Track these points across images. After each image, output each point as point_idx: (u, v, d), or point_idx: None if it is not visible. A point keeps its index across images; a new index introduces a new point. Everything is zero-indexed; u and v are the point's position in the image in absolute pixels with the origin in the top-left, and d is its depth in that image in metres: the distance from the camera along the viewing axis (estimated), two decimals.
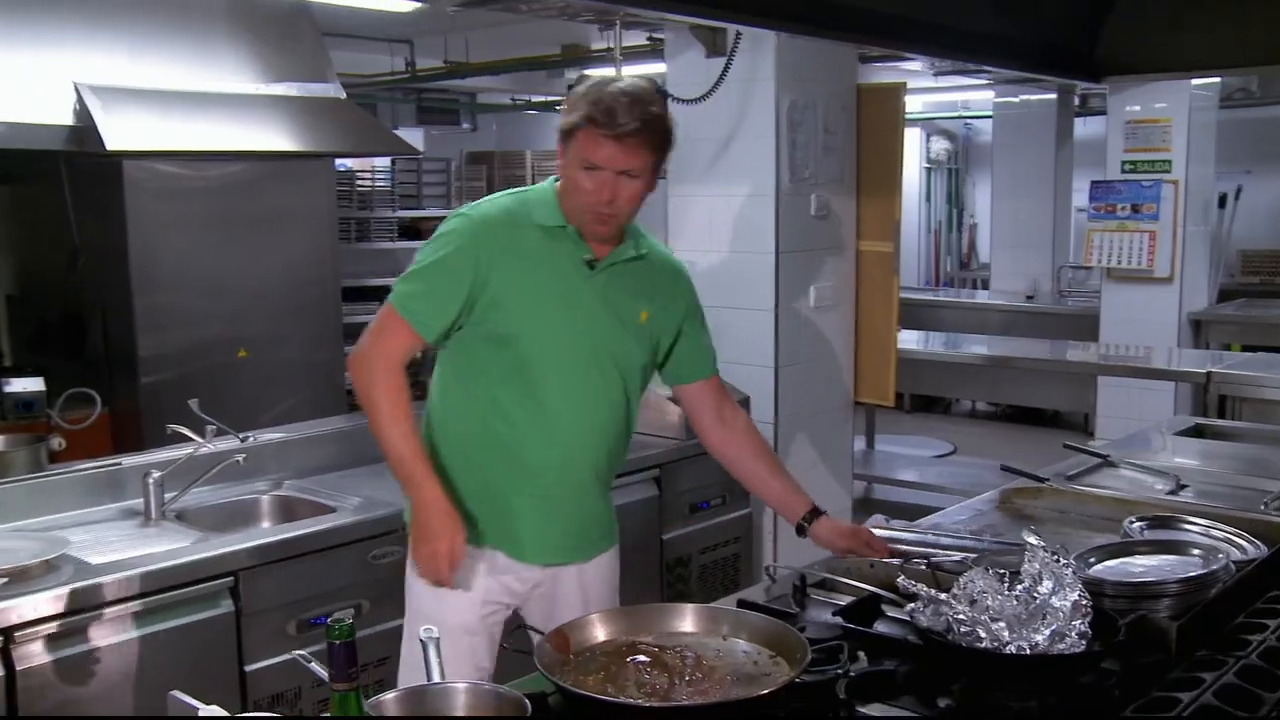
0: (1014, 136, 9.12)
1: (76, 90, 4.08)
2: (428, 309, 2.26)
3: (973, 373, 7.74)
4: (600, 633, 1.97)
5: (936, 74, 7.95)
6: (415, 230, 7.61)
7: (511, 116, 11.91)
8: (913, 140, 12.32)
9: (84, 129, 4.04)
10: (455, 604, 2.32)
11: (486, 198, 2.37)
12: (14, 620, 2.50)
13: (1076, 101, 9.36)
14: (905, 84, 4.74)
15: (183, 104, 4.36)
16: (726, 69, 4.20)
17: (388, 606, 2.93)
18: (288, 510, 3.45)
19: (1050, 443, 5.76)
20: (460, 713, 1.63)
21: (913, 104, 11.43)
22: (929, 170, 12.55)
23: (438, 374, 2.40)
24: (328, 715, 1.31)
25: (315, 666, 1.58)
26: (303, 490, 3.50)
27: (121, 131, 4.05)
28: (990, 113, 9.72)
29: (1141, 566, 2.22)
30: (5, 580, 2.59)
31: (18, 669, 2.50)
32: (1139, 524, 2.54)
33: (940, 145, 12.52)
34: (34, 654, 2.53)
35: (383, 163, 7.47)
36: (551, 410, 2.30)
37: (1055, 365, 6.51)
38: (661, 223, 4.74)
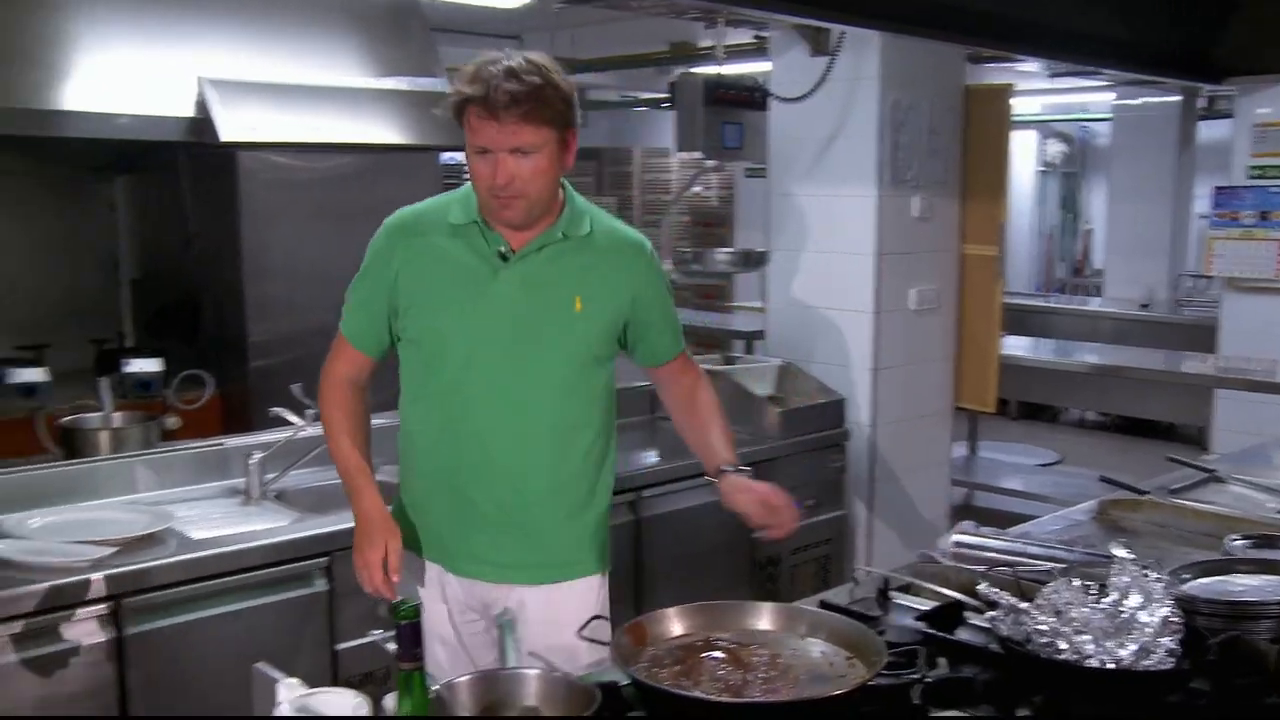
0: (1134, 139, 8.87)
1: (198, 83, 4.22)
2: (358, 324, 2.27)
3: (1082, 381, 7.55)
4: (677, 627, 1.97)
5: (1052, 75, 7.78)
6: None
7: (621, 113, 11.97)
8: (1027, 143, 12.07)
9: (202, 121, 4.17)
10: (429, 616, 2.20)
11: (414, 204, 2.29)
12: (123, 589, 2.61)
13: (1202, 104, 9.07)
14: (1013, 86, 4.66)
15: (296, 97, 4.47)
16: (830, 68, 4.17)
17: None
18: (382, 494, 3.51)
19: (1161, 456, 5.58)
20: (531, 700, 1.65)
21: (1028, 106, 11.22)
22: (1043, 173, 12.28)
23: (401, 368, 2.34)
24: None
25: (392, 647, 1.62)
26: (396, 475, 3.56)
27: (236, 123, 4.17)
28: (1109, 115, 9.47)
29: (1241, 586, 2.14)
30: (115, 550, 2.69)
31: (125, 634, 2.60)
32: (1242, 542, 2.46)
33: (1056, 148, 12.24)
34: (139, 621, 2.63)
35: None
36: (477, 418, 2.20)
37: (1170, 376, 6.32)
38: (763, 221, 4.73)
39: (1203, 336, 7.30)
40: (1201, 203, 8.01)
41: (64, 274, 5.17)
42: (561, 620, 2.16)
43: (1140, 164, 8.76)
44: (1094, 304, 9.46)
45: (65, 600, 2.55)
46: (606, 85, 9.32)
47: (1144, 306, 8.52)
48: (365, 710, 1.41)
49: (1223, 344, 7.03)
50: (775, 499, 2.28)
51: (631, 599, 3.47)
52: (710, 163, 4.14)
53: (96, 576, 2.59)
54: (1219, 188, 7.03)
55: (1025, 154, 12.15)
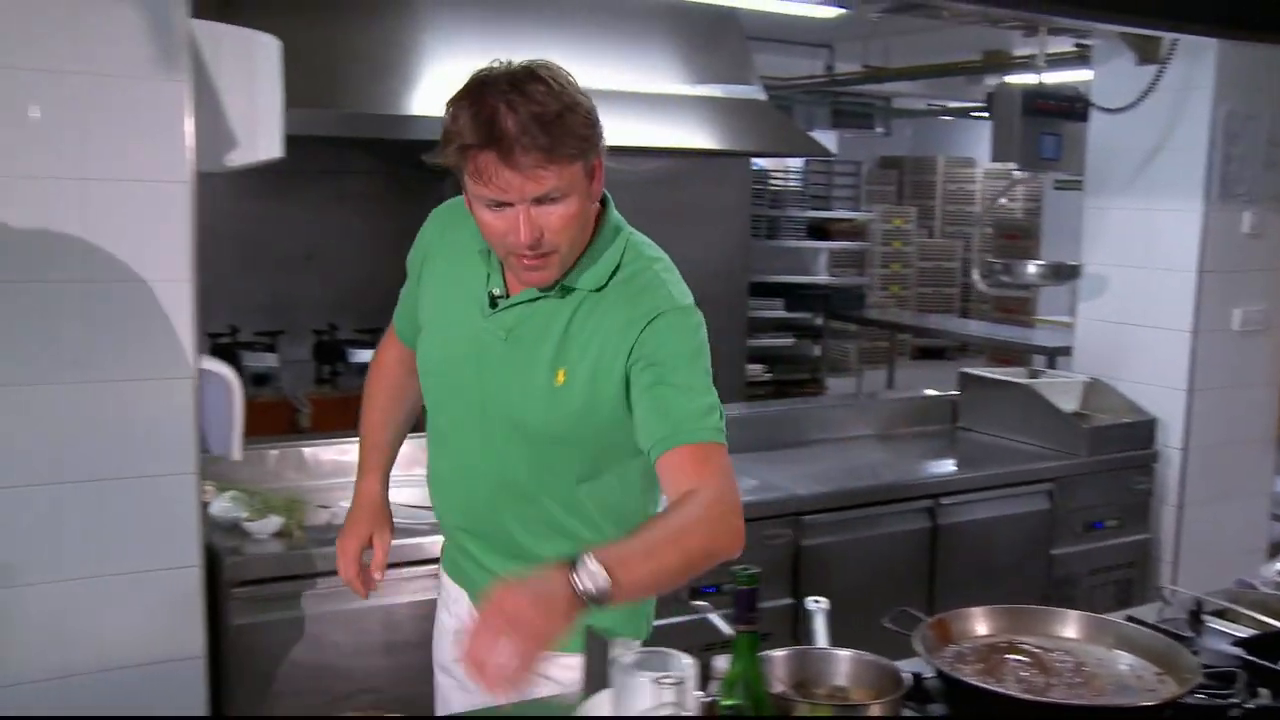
0: None
1: None
2: (401, 310, 2.05)
3: None
4: (982, 627, 2.02)
5: None
6: (824, 230, 7.78)
7: (925, 121, 11.86)
8: None
9: None
10: (440, 646, 2.11)
11: None
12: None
13: None
14: None
15: (619, 102, 4.74)
16: (1159, 77, 4.04)
17: (773, 584, 3.11)
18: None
19: None
20: (841, 680, 1.75)
21: None
22: None
23: None
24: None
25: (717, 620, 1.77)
26: None
27: None
28: None
29: None
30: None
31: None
32: None
33: None
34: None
35: (795, 163, 7.70)
36: (450, 497, 1.97)
37: None
38: (1070, 234, 4.63)
39: None
40: None
41: (399, 265, 5.64)
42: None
43: None
44: None
45: (407, 558, 2.82)
46: (915, 94, 9.27)
47: None
48: (693, 672, 1.55)
49: None
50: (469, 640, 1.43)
51: (924, 606, 3.50)
52: (1022, 174, 4.11)
53: (431, 540, 2.82)
54: None
55: None
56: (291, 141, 2.72)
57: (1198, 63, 4.07)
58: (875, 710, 1.59)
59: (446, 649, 2.05)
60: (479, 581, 1.93)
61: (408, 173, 5.66)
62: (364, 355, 4.85)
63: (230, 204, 4.47)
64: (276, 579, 2.74)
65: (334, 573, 2.69)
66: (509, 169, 1.58)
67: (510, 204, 1.62)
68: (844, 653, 1.76)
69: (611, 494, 1.85)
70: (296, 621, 2.76)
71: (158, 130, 2.47)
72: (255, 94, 2.62)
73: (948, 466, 3.95)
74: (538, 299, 1.78)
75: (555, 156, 1.59)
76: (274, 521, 2.81)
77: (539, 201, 1.62)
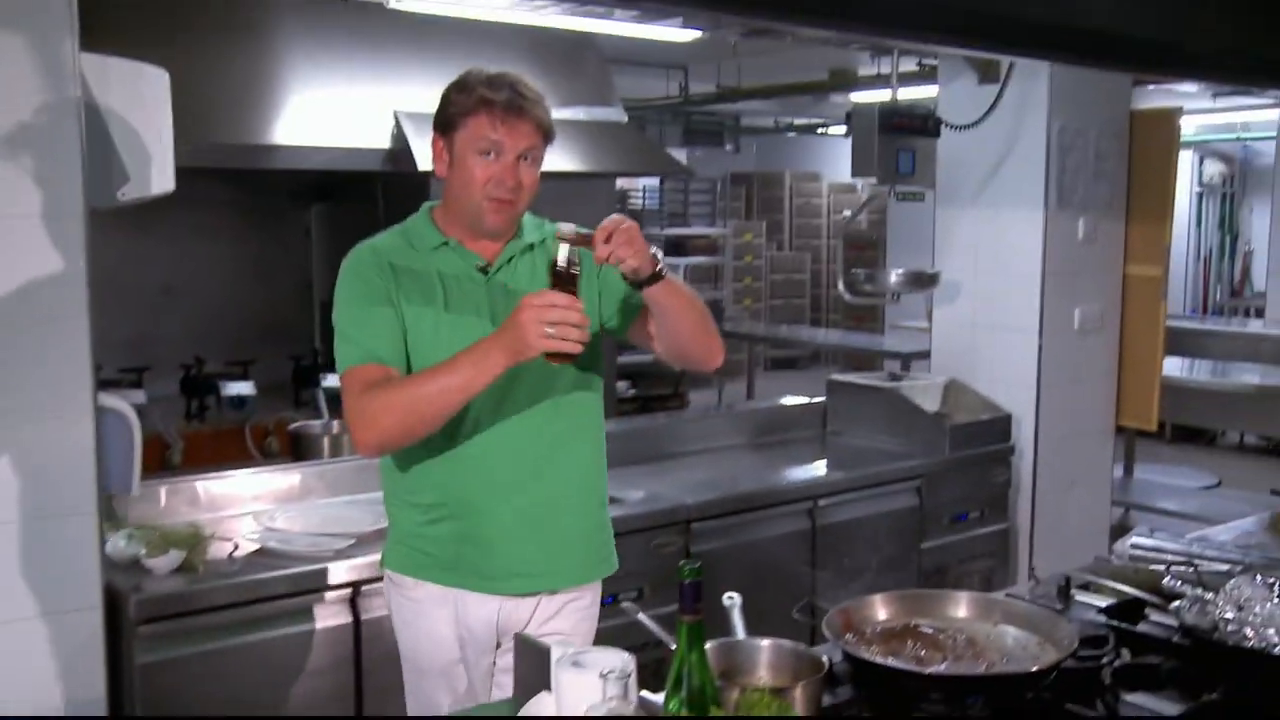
0: None
1: (395, 118, 4.58)
2: (387, 342, 2.16)
3: (1243, 403, 7.44)
4: (882, 613, 2.17)
5: (1215, 95, 7.74)
6: (681, 247, 7.95)
7: (771, 138, 12.19)
8: (1184, 164, 11.90)
9: (399, 151, 4.53)
10: (431, 646, 2.28)
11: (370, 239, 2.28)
12: (359, 576, 2.92)
13: None
14: (1181, 109, 4.73)
15: None
16: (999, 97, 4.32)
17: (666, 591, 3.22)
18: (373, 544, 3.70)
19: None
20: (762, 669, 1.87)
21: (1186, 126, 11.04)
22: (1201, 195, 12.09)
23: None
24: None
25: (645, 620, 1.87)
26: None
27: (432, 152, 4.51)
28: (1273, 134, 9.32)
29: None
30: (352, 542, 3.00)
31: (362, 618, 2.91)
32: None
33: (1214, 168, 12.04)
34: (373, 606, 2.92)
35: (652, 182, 7.85)
36: (481, 433, 2.20)
37: None
38: (915, 244, 4.89)
39: None
40: None
41: (265, 295, 5.60)
42: (575, 628, 2.28)
43: None
44: (1254, 326, 9.30)
45: (313, 585, 2.87)
46: (764, 111, 9.56)
47: None
48: (633, 667, 1.65)
49: None
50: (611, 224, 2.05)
51: (808, 601, 3.67)
52: (879, 188, 4.34)
53: (338, 565, 2.91)
54: None
55: (1182, 175, 11.92)
56: None
57: (1033, 82, 4.37)
58: (801, 690, 1.71)
59: (440, 653, 2.27)
60: (486, 563, 2.23)
61: (270, 203, 5.63)
62: (236, 388, 4.80)
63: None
64: (181, 614, 2.72)
65: (242, 603, 2.74)
66: (514, 119, 2.12)
67: (501, 154, 2.13)
68: (765, 642, 1.89)
69: (585, 408, 2.32)
70: (204, 656, 2.74)
71: (49, 165, 2.45)
72: (146, 127, 2.63)
73: (822, 470, 4.13)
74: (512, 258, 2.25)
75: (539, 126, 2.17)
76: (175, 556, 2.79)
77: (521, 158, 2.15)
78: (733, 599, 2.01)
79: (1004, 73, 4.32)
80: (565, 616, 2.31)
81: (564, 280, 2.00)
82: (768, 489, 3.81)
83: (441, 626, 2.27)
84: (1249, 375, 6.74)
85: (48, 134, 2.45)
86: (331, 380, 4.80)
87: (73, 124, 2.47)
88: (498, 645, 2.30)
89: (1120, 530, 6.03)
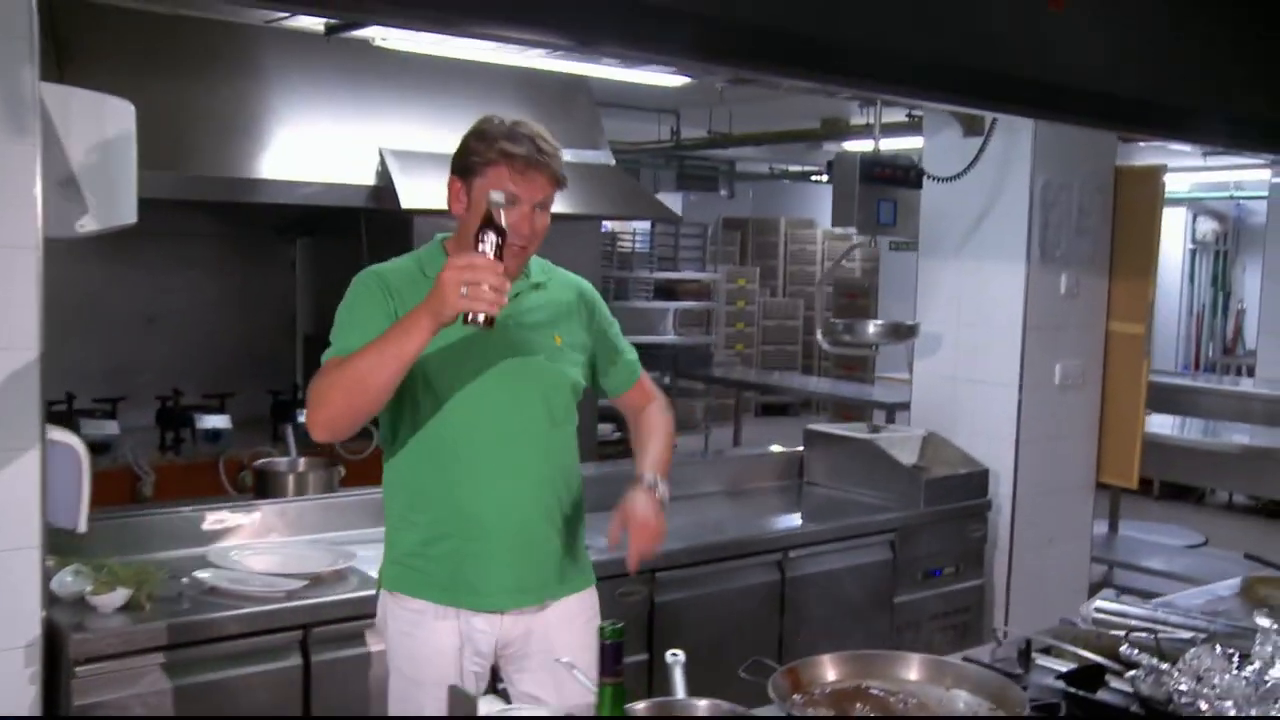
0: None
1: (380, 155, 4.57)
2: (357, 341, 2.19)
3: (1231, 462, 7.39)
4: (831, 673, 2.12)
5: (1205, 154, 7.75)
6: (671, 291, 7.93)
7: (767, 184, 12.22)
8: (1178, 220, 11.92)
9: (383, 188, 4.52)
10: (431, 662, 2.32)
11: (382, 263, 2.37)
12: (311, 618, 2.86)
13: None
14: (1165, 166, 4.72)
15: None
16: (982, 151, 4.31)
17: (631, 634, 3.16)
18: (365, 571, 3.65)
19: None
20: None
21: (1179, 183, 11.07)
22: (1194, 252, 12.10)
23: (383, 428, 2.40)
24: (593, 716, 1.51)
25: (578, 674, 1.81)
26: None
27: (415, 190, 4.51)
28: (1266, 194, 9.33)
29: None
30: (306, 583, 2.95)
31: (312, 660, 2.85)
32: None
33: (1207, 226, 12.06)
34: (325, 648, 2.87)
35: (643, 226, 7.85)
36: (476, 454, 2.31)
37: None
38: (907, 293, 4.86)
39: None
40: None
41: (248, 328, 5.58)
42: (559, 644, 2.34)
43: None
44: (1245, 385, 9.27)
45: (263, 626, 2.81)
46: (757, 158, 9.57)
47: None
48: None
49: None
50: (636, 519, 2.34)
51: (775, 655, 3.60)
52: (860, 237, 4.32)
53: (290, 606, 2.85)
54: None
55: (1175, 232, 11.98)
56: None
57: (1016, 136, 4.36)
58: None
59: (438, 664, 2.31)
60: (483, 581, 2.32)
61: (254, 236, 5.61)
62: (211, 421, 4.76)
63: (68, 266, 4.36)
64: (122, 655, 2.64)
65: (186, 644, 2.68)
66: (532, 172, 2.24)
67: (518, 204, 2.23)
68: (702, 702, 1.84)
69: (571, 434, 2.47)
70: (144, 698, 2.66)
71: (5, 195, 2.43)
72: (108, 159, 2.60)
73: (795, 520, 4.08)
74: (518, 294, 2.34)
75: (554, 177, 2.29)
76: (121, 594, 2.73)
77: (535, 207, 2.27)
78: (676, 656, 1.96)
79: (988, 126, 4.31)
80: (566, 629, 2.41)
81: (487, 241, 2.05)
82: (737, 539, 3.75)
83: (442, 638, 2.33)
84: (1238, 434, 6.70)
85: (5, 164, 2.42)
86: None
87: (30, 153, 2.45)
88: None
89: (1101, 588, 5.98)
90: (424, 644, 2.32)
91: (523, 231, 2.25)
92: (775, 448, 4.78)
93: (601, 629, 1.47)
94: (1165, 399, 8.19)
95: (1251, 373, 9.77)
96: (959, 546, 4.29)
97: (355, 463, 4.61)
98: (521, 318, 2.37)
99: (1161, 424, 6.79)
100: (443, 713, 2.23)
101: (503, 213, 2.09)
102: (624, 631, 1.45)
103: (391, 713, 2.39)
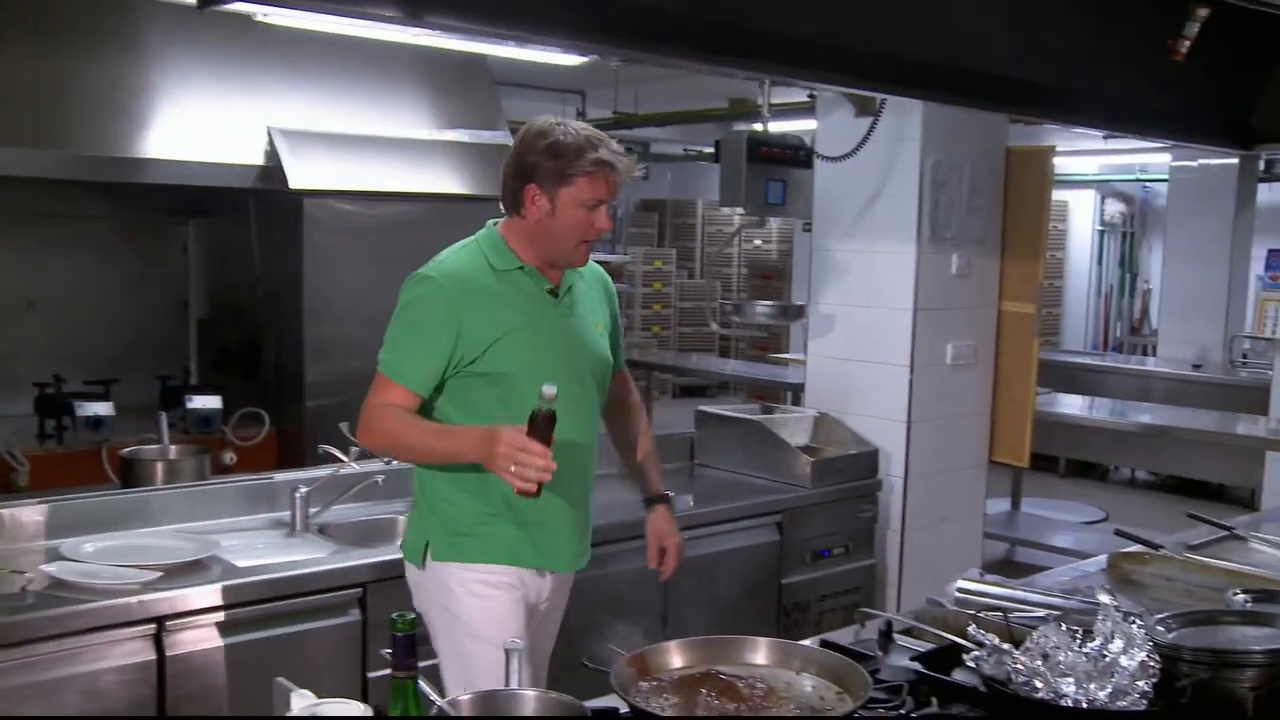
0: (1191, 201, 8.88)
1: (269, 134, 4.45)
2: (416, 371, 2.49)
3: (1134, 440, 7.54)
4: (678, 660, 2.08)
5: (1105, 137, 7.83)
6: None
7: (685, 166, 12.17)
8: (1086, 202, 12.09)
9: (272, 169, 4.41)
10: (509, 621, 2.54)
11: (443, 254, 2.59)
12: (165, 611, 2.76)
13: (1261, 167, 9.06)
14: (1055, 147, 4.74)
15: (361, 147, 4.69)
16: (871, 130, 4.28)
17: None
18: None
19: (1210, 516, 5.58)
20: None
21: (1086, 165, 11.23)
22: (1102, 233, 12.27)
23: (436, 410, 2.57)
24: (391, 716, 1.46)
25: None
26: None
27: (304, 171, 4.40)
28: (1166, 176, 9.48)
29: (1227, 636, 2.20)
30: (161, 574, 2.85)
31: (167, 655, 2.75)
32: (1242, 596, 2.51)
33: (1115, 208, 12.24)
34: (181, 643, 2.77)
35: None
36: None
37: (1221, 437, 6.32)
38: (806, 275, 4.85)
39: (1256, 398, 7.27)
40: (1260, 264, 7.98)
41: (136, 312, 5.42)
42: (561, 605, 2.76)
43: (1197, 225, 8.76)
44: (1149, 364, 9.43)
45: (112, 620, 2.69)
46: (670, 139, 9.51)
47: (1196, 367, 8.48)
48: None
49: (1275, 406, 6.99)
50: (663, 542, 2.88)
51: (661, 639, 3.56)
52: (745, 217, 4.28)
53: (142, 599, 2.74)
54: (1272, 250, 7.03)
55: (1083, 213, 12.16)
56: (8, 182, 2.56)
57: (908, 117, 4.35)
58: None
59: (512, 624, 2.54)
60: (556, 545, 2.63)
61: (145, 218, 5.45)
62: (94, 408, 4.61)
63: None
64: None
65: (23, 641, 2.57)
66: (617, 179, 2.49)
67: (603, 204, 2.50)
68: (531, 693, 1.78)
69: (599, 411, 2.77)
70: None
71: None
72: None
73: (683, 502, 4.04)
74: (570, 285, 2.62)
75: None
76: None
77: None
78: (514, 644, 1.90)
79: (878, 106, 4.29)
80: (564, 592, 2.76)
81: (540, 430, 2.25)
82: (620, 522, 3.69)
83: (515, 598, 2.57)
84: (1141, 413, 6.81)
85: None
86: (197, 401, 4.66)
87: None
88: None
89: (1005, 567, 6.04)
90: (500, 604, 2.54)
91: (606, 230, 2.55)
92: (673, 431, 4.74)
93: (392, 620, 1.42)
94: (1073, 378, 8.32)
95: (1155, 352, 9.94)
96: (849, 527, 4.28)
97: (246, 449, 4.52)
98: (575, 305, 2.64)
99: (1070, 403, 6.88)
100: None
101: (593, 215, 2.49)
102: (415, 624, 1.39)
103: (452, 673, 2.56)
